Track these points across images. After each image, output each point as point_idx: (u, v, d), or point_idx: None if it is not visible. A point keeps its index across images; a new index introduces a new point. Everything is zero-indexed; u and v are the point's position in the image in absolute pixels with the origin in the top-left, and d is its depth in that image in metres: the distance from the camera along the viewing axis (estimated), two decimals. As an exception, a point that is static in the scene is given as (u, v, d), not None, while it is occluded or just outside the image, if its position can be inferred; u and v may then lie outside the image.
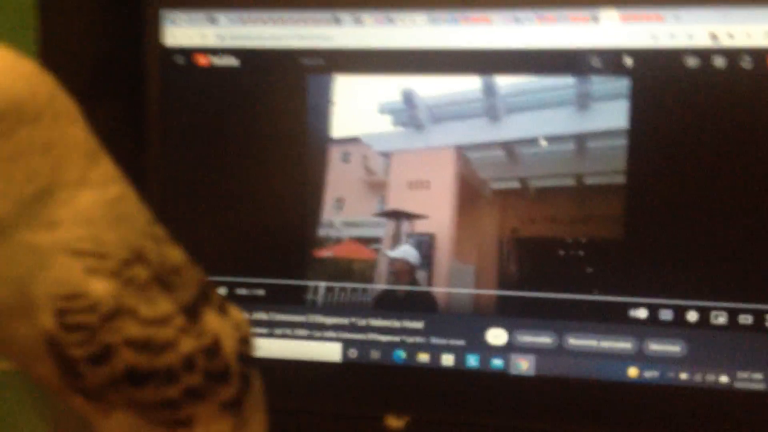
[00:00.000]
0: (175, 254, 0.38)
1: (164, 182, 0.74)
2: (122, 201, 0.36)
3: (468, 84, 0.70)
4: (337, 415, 0.72)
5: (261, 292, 0.74)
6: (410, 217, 0.72)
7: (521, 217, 0.70)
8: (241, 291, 0.74)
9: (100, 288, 0.34)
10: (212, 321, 0.38)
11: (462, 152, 0.71)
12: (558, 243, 0.69)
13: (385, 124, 0.71)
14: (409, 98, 0.71)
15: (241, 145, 0.73)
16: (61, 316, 0.33)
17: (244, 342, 0.39)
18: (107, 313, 0.34)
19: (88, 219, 0.34)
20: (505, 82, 0.69)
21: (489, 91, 0.69)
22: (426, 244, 0.71)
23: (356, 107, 0.72)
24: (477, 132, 0.70)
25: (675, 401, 0.68)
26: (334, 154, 0.72)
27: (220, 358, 0.37)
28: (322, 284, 0.73)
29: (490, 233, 0.70)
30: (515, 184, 0.70)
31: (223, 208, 0.74)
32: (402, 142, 0.72)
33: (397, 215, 0.72)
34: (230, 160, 0.73)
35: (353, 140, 0.72)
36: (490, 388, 0.71)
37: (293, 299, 0.73)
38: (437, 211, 0.71)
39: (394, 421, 0.71)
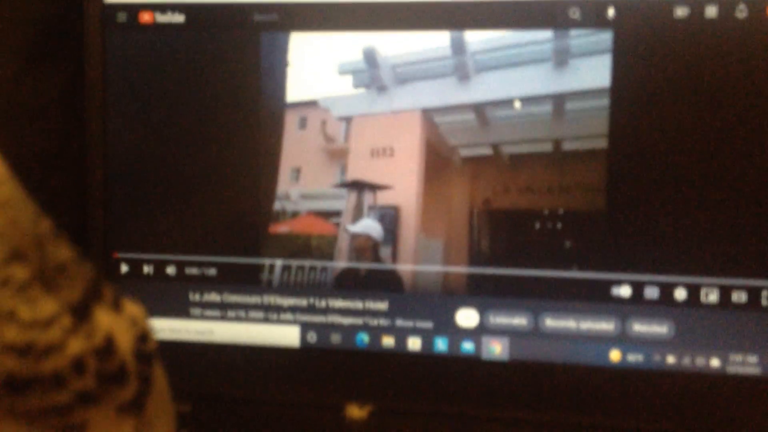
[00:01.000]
0: (62, 251, 0.36)
1: (106, 151, 0.70)
2: (5, 199, 0.34)
3: (435, 41, 0.65)
4: (295, 405, 0.68)
5: (212, 271, 0.70)
6: (373, 188, 0.68)
7: (494, 187, 0.66)
8: (191, 270, 0.70)
9: None
10: (104, 319, 0.36)
11: (429, 116, 0.67)
12: (534, 215, 0.65)
13: (344, 86, 0.67)
14: (370, 57, 0.66)
15: (188, 111, 0.69)
16: None
17: (142, 338, 0.37)
18: None
19: None
20: (475, 37, 0.65)
21: (458, 48, 0.65)
22: (390, 218, 0.67)
23: (313, 68, 0.67)
24: (445, 93, 0.66)
25: (661, 387, 0.64)
26: (290, 120, 0.68)
27: (114, 357, 0.36)
28: (278, 262, 0.69)
29: (459, 205, 0.66)
30: (487, 151, 0.66)
31: (170, 180, 0.70)
32: (363, 105, 0.68)
33: (358, 186, 0.68)
34: (177, 127, 0.69)
35: (310, 104, 0.68)
36: (461, 374, 0.67)
37: (247, 279, 0.69)
38: (402, 181, 0.67)
39: (356, 411, 0.67)
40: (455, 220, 0.66)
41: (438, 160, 0.66)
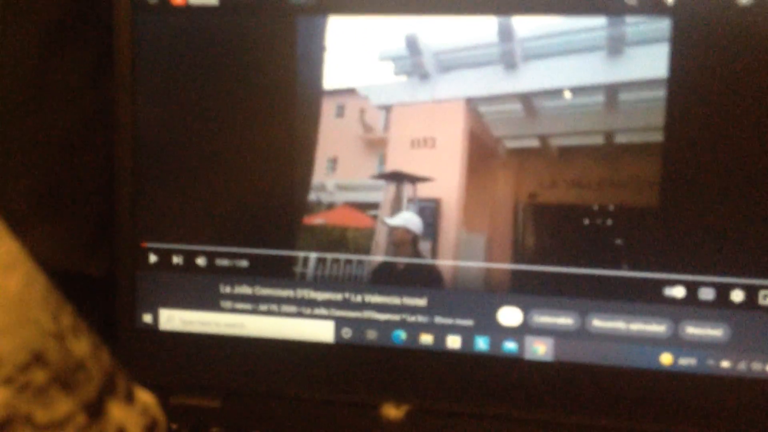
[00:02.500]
0: (80, 347, 0.36)
1: (135, 138, 0.68)
2: (24, 292, 0.34)
3: (481, 27, 0.63)
4: (329, 402, 0.66)
5: (244, 263, 0.67)
6: (413, 179, 0.65)
7: (540, 180, 0.63)
8: (222, 261, 0.68)
9: None
10: (117, 413, 0.37)
11: (473, 106, 0.64)
12: (583, 210, 0.62)
13: (385, 74, 0.65)
14: (412, 43, 0.64)
15: (221, 98, 0.66)
16: None
17: (151, 427, 0.39)
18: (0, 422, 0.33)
19: None
20: (523, 24, 0.62)
21: (505, 34, 0.62)
22: (430, 211, 0.65)
23: (352, 54, 0.65)
24: (491, 82, 0.63)
25: (714, 392, 0.61)
26: (327, 108, 0.66)
27: None
28: (313, 255, 0.67)
29: (503, 199, 0.64)
30: (534, 143, 0.63)
31: (202, 168, 0.67)
32: (404, 94, 0.65)
33: (398, 177, 0.66)
34: (209, 114, 0.67)
35: (348, 91, 0.66)
36: (502, 375, 0.64)
37: (280, 271, 0.67)
38: (444, 174, 0.65)
39: (392, 411, 0.64)
40: (499, 215, 0.64)
41: (482, 152, 0.64)
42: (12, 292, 0.34)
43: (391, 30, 0.64)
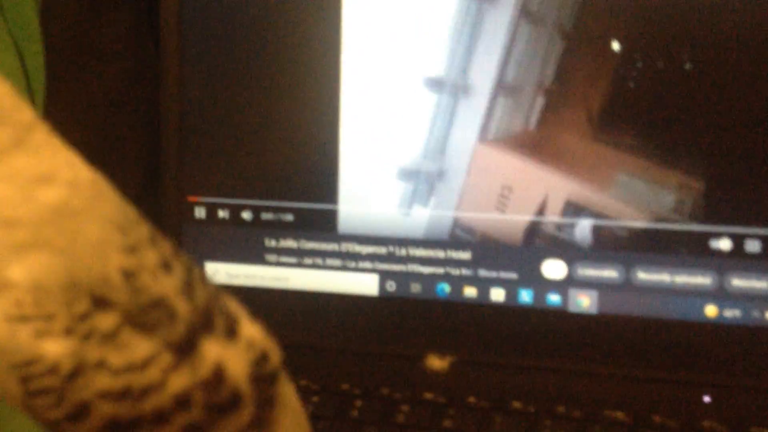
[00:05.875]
0: (161, 283, 0.34)
1: (181, 95, 0.68)
2: (70, 213, 0.32)
3: None
4: (374, 354, 0.67)
5: (289, 217, 0.68)
6: None
7: None
8: (267, 216, 0.68)
9: (54, 349, 0.31)
10: (212, 350, 0.35)
11: None
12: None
13: None
14: None
15: (267, 53, 0.66)
16: (24, 383, 0.32)
17: (261, 360, 0.37)
18: (68, 373, 0.32)
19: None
20: None
21: None
22: None
23: None
24: None
25: (760, 344, 0.61)
26: None
27: (224, 387, 0.35)
28: (355, 209, 0.67)
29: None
30: None
31: (247, 123, 0.68)
32: None
33: None
34: (255, 69, 0.67)
35: None
36: (546, 327, 0.64)
37: (325, 225, 0.67)
38: None
39: (436, 362, 0.65)
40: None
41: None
42: (50, 208, 0.31)
43: None
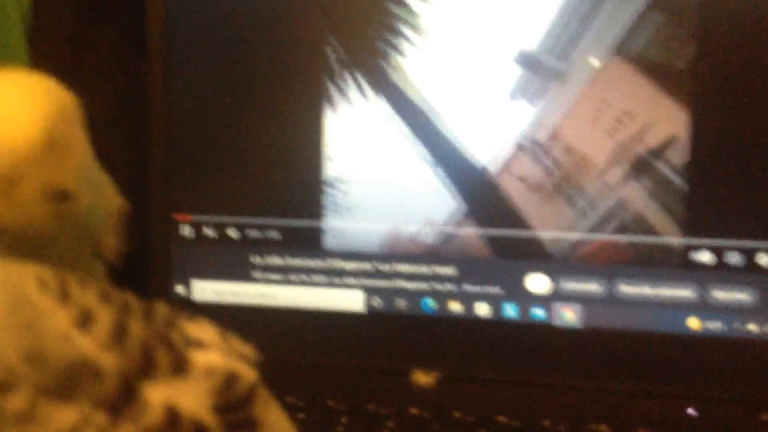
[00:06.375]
0: (80, 343, 0.31)
1: (167, 113, 0.69)
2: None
3: None
4: (360, 370, 0.67)
5: (275, 234, 0.68)
6: None
7: None
8: (253, 233, 0.68)
9: None
10: (157, 393, 0.32)
11: None
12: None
13: None
14: None
15: (254, 68, 0.67)
16: None
17: (227, 386, 0.34)
18: None
19: None
20: None
21: None
22: None
23: None
24: None
25: (742, 356, 0.61)
26: None
27: (182, 427, 0.32)
28: (342, 225, 0.67)
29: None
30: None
31: (233, 140, 0.68)
32: None
33: None
34: (241, 85, 0.67)
35: None
36: (531, 341, 0.65)
37: (310, 242, 0.68)
38: None
39: (422, 377, 0.65)
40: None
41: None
42: None
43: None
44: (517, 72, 0.62)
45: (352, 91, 0.65)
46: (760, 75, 0.58)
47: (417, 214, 0.66)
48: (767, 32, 0.58)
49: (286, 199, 0.67)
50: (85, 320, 0.31)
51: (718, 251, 0.61)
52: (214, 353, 0.34)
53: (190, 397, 0.33)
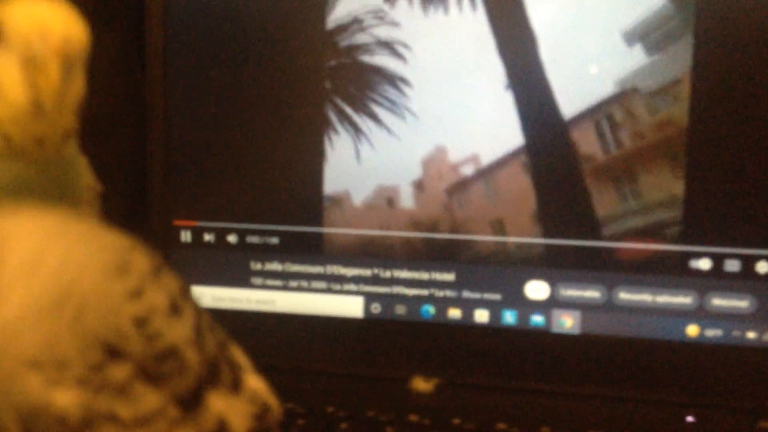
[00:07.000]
0: (176, 329, 0.32)
1: (167, 120, 0.69)
2: (74, 272, 0.30)
3: None
4: (359, 377, 0.67)
5: (275, 240, 0.68)
6: None
7: None
8: (253, 239, 0.69)
9: (65, 399, 0.30)
10: (217, 404, 0.34)
11: None
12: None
13: None
14: None
15: (252, 77, 0.67)
16: (28, 430, 0.30)
17: (262, 414, 0.36)
18: (78, 424, 0.30)
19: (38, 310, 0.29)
20: None
21: None
22: None
23: None
24: None
25: (741, 363, 0.61)
26: None
27: None
28: (342, 231, 0.67)
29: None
30: None
31: (233, 147, 0.68)
32: None
33: None
34: (240, 92, 0.67)
35: None
36: (530, 348, 0.65)
37: (310, 248, 0.68)
38: None
39: (421, 384, 0.65)
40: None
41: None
42: (52, 274, 0.30)
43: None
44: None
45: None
46: (756, 85, 0.58)
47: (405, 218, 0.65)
48: (760, 46, 0.58)
49: (285, 204, 0.67)
50: (175, 308, 0.32)
51: (716, 259, 0.61)
52: (258, 380, 0.37)
53: (238, 416, 0.35)
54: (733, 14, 0.58)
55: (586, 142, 0.61)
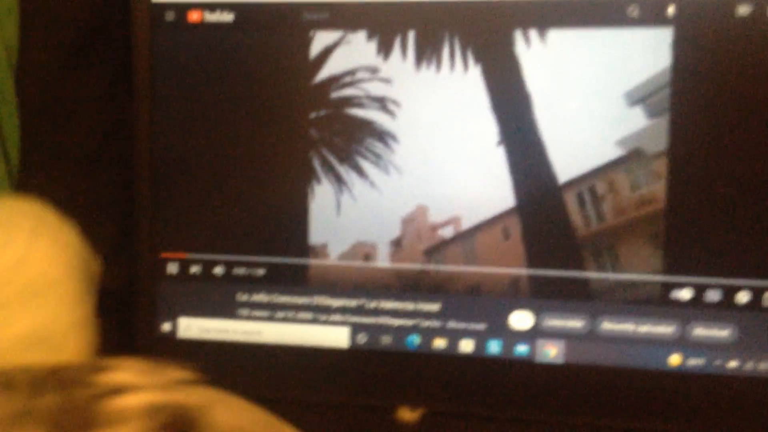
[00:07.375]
0: None
1: (154, 153, 0.69)
2: None
3: None
4: (345, 407, 0.67)
5: (261, 271, 0.69)
6: None
7: None
8: (239, 270, 0.69)
9: None
10: None
11: None
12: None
13: None
14: None
15: (237, 111, 0.68)
16: None
17: (162, 421, 0.35)
18: None
19: None
20: None
21: None
22: None
23: None
24: None
25: (722, 392, 0.62)
26: None
27: None
28: (331, 263, 0.67)
29: None
30: None
31: (218, 180, 0.69)
32: None
33: None
34: (225, 126, 0.68)
35: None
36: (514, 378, 0.65)
37: (296, 279, 0.68)
38: None
39: (407, 414, 0.65)
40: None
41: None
42: None
43: (402, 43, 0.65)
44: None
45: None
46: (735, 121, 0.60)
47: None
48: (740, 88, 0.59)
49: (271, 236, 0.68)
50: None
51: (698, 289, 0.61)
52: (135, 395, 0.35)
53: None
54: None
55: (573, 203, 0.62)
